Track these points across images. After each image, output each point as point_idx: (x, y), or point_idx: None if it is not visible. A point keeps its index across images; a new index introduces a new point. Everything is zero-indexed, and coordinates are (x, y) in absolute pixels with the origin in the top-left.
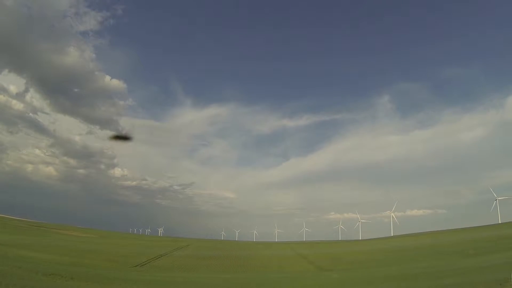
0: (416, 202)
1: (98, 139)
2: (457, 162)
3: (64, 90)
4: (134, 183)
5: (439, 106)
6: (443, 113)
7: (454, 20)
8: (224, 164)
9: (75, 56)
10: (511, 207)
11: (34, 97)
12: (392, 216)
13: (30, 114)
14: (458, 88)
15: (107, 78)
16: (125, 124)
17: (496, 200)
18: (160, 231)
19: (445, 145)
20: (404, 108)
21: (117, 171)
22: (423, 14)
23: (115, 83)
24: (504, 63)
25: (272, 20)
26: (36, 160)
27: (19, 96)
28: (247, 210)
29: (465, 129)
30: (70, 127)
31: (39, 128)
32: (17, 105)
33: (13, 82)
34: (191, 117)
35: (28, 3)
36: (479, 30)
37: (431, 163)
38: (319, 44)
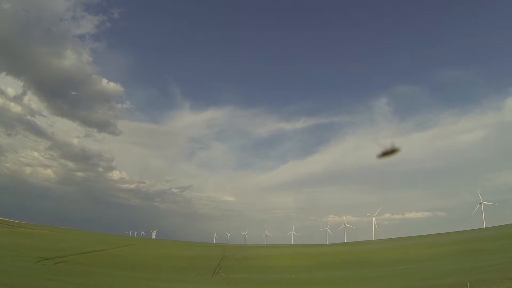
0: (415, 204)
1: (96, 142)
2: (456, 165)
3: (61, 93)
4: (132, 185)
5: (437, 108)
6: (442, 115)
7: (452, 22)
8: (222, 167)
9: (72, 59)
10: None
11: (32, 100)
12: (374, 220)
13: (28, 116)
14: (456, 90)
15: (104, 81)
16: (123, 127)
17: (480, 203)
18: (153, 233)
19: (443, 148)
20: (402, 110)
21: (116, 174)
22: (421, 16)
23: (112, 86)
24: (502, 65)
25: (269, 23)
26: (35, 162)
27: (17, 99)
28: (246, 213)
29: (463, 131)
30: (68, 130)
31: (37, 131)
32: (15, 107)
33: (11, 85)
34: (189, 120)
35: (25, 7)
36: (477, 32)
37: (429, 165)
38: (316, 47)
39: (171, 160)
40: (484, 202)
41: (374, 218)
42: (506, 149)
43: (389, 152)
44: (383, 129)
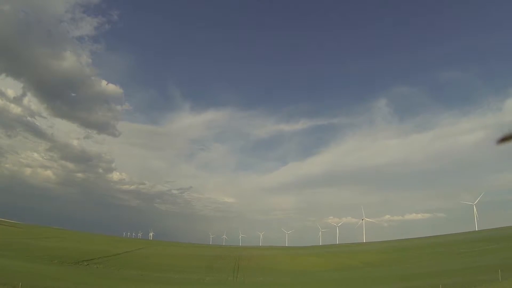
0: (415, 206)
1: (96, 143)
2: (456, 166)
3: (61, 94)
4: (132, 187)
5: (437, 109)
6: (441, 116)
7: (452, 23)
8: (222, 168)
9: (71, 60)
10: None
11: (32, 101)
12: (364, 222)
13: (28, 118)
14: (456, 91)
15: (104, 82)
16: (123, 128)
17: (474, 206)
18: (151, 234)
19: (443, 149)
20: (402, 111)
21: (115, 175)
22: (420, 17)
23: (112, 88)
24: (502, 66)
25: (269, 24)
26: (35, 163)
27: (17, 100)
28: (246, 215)
29: (463, 132)
30: (68, 131)
31: (37, 132)
32: (15, 109)
33: (11, 86)
34: (189, 121)
35: (25, 9)
36: (477, 33)
37: (429, 166)
38: (315, 48)
39: (171, 161)
40: (475, 204)
41: (363, 221)
42: (506, 150)
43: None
44: (382, 130)
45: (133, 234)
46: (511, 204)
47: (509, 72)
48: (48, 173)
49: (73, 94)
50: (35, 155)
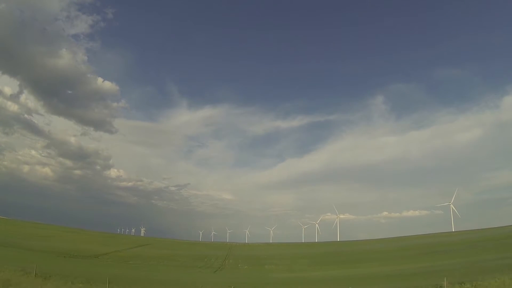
0: (412, 203)
1: (93, 140)
2: (454, 163)
3: (57, 92)
4: (130, 184)
5: (434, 107)
6: (439, 114)
7: (449, 20)
8: (219, 165)
9: (67, 58)
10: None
11: (29, 99)
12: (338, 220)
13: (25, 115)
14: (453, 88)
15: (100, 80)
16: (119, 125)
17: (450, 205)
18: (142, 231)
19: (441, 146)
20: (399, 108)
21: (113, 172)
22: (418, 15)
23: (108, 85)
24: (500, 63)
25: (266, 22)
26: (32, 161)
27: (14, 98)
28: (244, 211)
29: (461, 129)
30: (65, 129)
31: (34, 129)
32: (12, 106)
33: (7, 84)
34: (186, 118)
35: (20, 7)
36: (475, 31)
37: (427, 164)
38: (312, 45)
39: (169, 158)
40: (452, 206)
41: (338, 218)
42: (503, 147)
43: None
44: (379, 127)
45: (126, 230)
46: (508, 202)
47: (507, 69)
48: (46, 170)
49: (69, 92)
50: (33, 152)
